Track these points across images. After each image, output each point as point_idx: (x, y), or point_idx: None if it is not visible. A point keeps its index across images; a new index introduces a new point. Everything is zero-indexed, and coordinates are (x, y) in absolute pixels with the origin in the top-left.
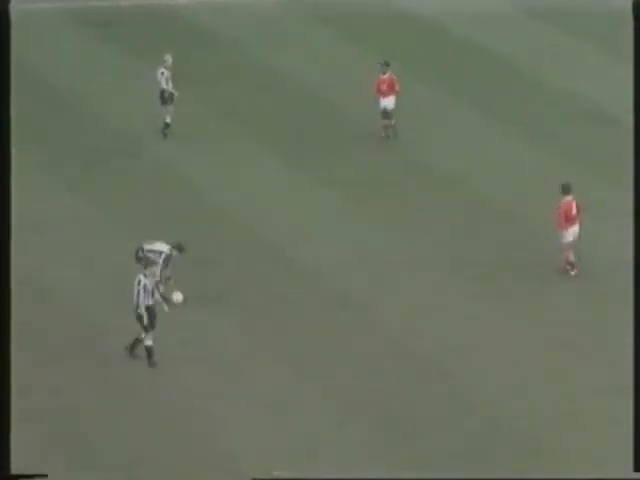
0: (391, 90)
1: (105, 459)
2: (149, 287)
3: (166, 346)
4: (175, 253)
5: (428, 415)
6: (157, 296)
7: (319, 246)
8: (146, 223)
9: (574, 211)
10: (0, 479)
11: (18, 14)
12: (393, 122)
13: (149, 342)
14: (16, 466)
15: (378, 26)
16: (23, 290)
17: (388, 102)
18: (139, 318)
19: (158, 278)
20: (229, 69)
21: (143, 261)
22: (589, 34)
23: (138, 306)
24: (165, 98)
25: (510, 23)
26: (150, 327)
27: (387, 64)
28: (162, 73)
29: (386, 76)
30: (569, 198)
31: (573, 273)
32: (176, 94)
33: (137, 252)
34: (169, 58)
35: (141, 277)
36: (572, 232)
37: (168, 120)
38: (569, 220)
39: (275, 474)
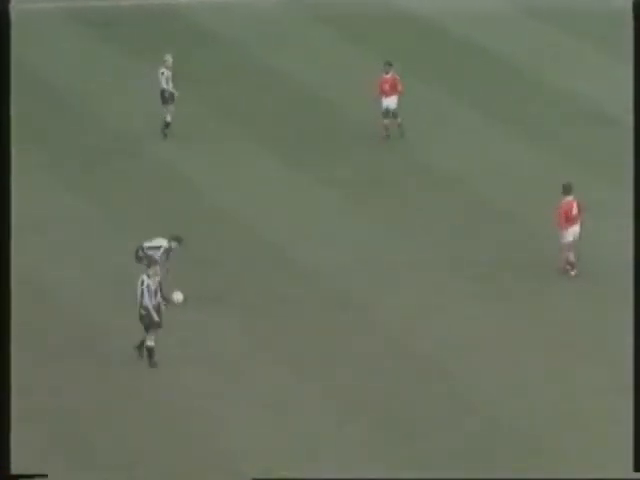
0: (394, 90)
1: (105, 459)
2: (152, 287)
3: (166, 346)
4: (174, 245)
5: (428, 415)
6: (160, 296)
7: (319, 246)
8: (146, 223)
9: (575, 211)
10: (0, 479)
11: (18, 14)
12: (399, 121)
13: (150, 342)
14: (16, 466)
15: (378, 26)
16: (23, 290)
17: (390, 102)
18: (142, 318)
19: (160, 275)
20: (229, 69)
21: (144, 260)
22: (589, 34)
23: (141, 306)
24: (165, 98)
25: (510, 23)
26: (153, 327)
27: (390, 64)
28: (162, 73)
29: (389, 76)
30: (570, 198)
31: (573, 273)
32: (176, 94)
33: (137, 252)
34: (169, 58)
35: (144, 277)
36: (572, 232)
37: (169, 119)
38: (569, 220)
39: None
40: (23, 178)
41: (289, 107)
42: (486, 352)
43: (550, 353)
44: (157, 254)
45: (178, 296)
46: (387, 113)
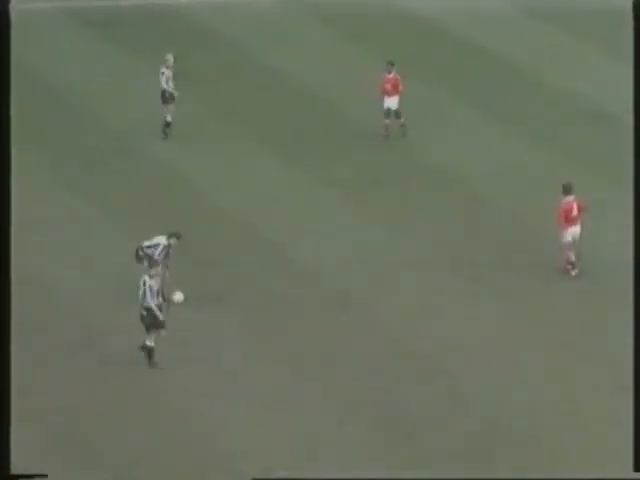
0: (395, 90)
1: (105, 459)
2: (154, 287)
3: (166, 346)
4: (173, 241)
5: (428, 415)
6: (161, 297)
7: (319, 246)
8: (146, 223)
9: (575, 211)
10: (0, 479)
11: (18, 14)
12: (402, 120)
13: (150, 342)
14: (16, 466)
15: (378, 26)
16: (23, 290)
17: (392, 102)
18: (143, 318)
19: (162, 275)
20: (229, 69)
21: (145, 260)
22: (589, 34)
23: (143, 306)
24: (166, 97)
25: (510, 23)
26: (157, 327)
27: (392, 64)
28: (163, 73)
29: (391, 76)
30: (570, 198)
31: (573, 273)
32: (176, 94)
33: (137, 252)
34: (171, 57)
35: (146, 278)
36: (572, 232)
37: (169, 119)
38: (569, 220)
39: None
40: (23, 178)
41: (289, 107)
42: (486, 352)
43: (550, 353)
44: (156, 252)
45: (178, 296)
46: (388, 113)
